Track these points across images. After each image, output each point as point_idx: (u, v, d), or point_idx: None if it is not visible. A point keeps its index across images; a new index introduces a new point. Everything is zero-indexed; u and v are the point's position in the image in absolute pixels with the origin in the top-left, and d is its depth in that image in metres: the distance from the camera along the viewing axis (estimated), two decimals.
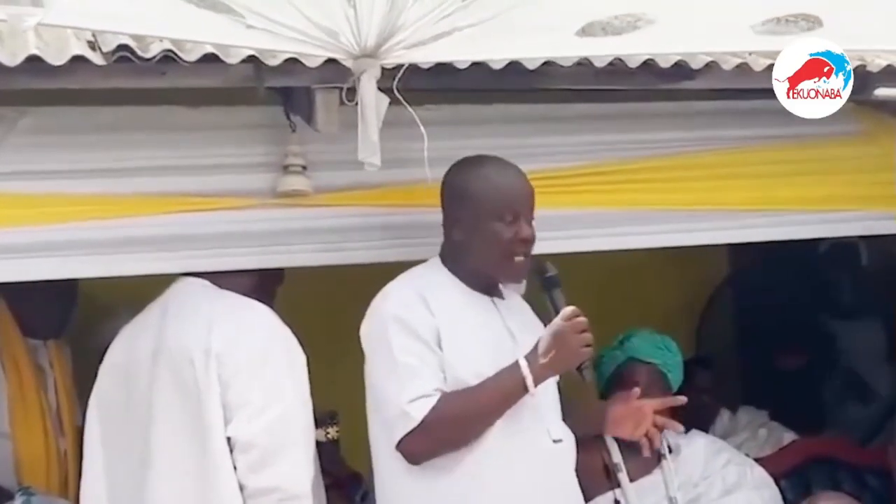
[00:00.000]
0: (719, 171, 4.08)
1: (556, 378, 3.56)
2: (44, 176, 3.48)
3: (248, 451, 3.37)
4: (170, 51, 3.27)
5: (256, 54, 3.34)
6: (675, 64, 3.70)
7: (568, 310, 3.42)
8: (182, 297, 3.58)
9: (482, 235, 3.49)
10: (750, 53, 3.77)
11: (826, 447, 5.06)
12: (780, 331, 5.71)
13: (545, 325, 3.47)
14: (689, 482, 4.15)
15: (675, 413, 4.30)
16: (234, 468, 3.38)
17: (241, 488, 3.37)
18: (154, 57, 3.27)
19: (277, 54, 3.34)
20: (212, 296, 3.54)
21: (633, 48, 3.53)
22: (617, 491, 4.03)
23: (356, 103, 3.32)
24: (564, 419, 3.60)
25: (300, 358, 3.48)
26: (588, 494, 3.82)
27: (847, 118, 4.00)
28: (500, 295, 3.60)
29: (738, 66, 3.78)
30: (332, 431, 4.87)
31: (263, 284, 3.63)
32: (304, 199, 3.66)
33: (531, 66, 3.56)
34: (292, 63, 3.36)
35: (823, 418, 5.68)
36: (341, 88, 3.39)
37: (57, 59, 3.21)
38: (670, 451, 4.17)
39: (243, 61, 3.35)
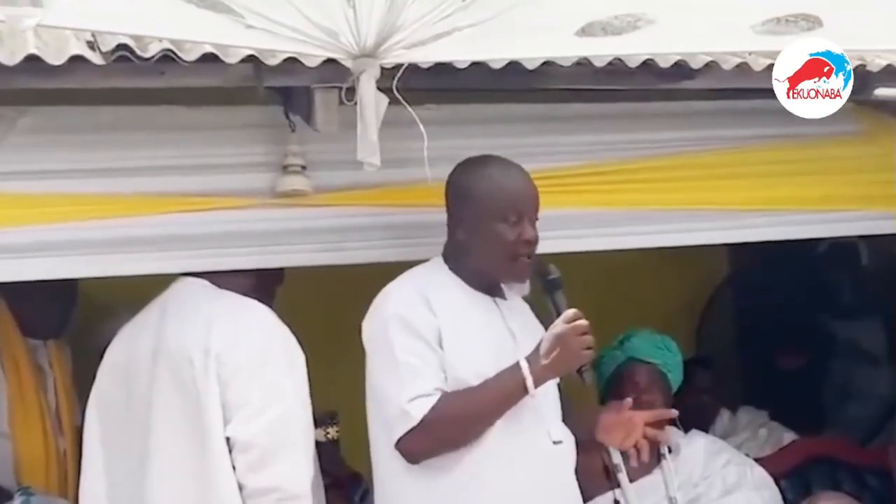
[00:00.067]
0: (719, 171, 4.08)
1: (557, 380, 3.55)
2: (43, 176, 3.48)
3: (247, 451, 3.37)
4: (169, 50, 3.27)
5: (256, 54, 3.34)
6: (675, 64, 3.70)
7: (570, 312, 3.41)
8: (181, 297, 3.57)
9: (485, 236, 3.49)
10: (750, 53, 3.77)
11: (826, 447, 5.06)
12: (780, 331, 5.72)
13: (546, 327, 3.47)
14: (688, 482, 4.15)
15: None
16: (234, 468, 3.37)
17: (241, 488, 3.37)
18: (153, 57, 3.27)
19: (277, 54, 3.34)
20: (211, 296, 3.54)
21: (632, 48, 3.53)
22: (617, 491, 4.04)
23: (355, 103, 3.31)
24: (564, 420, 3.60)
25: (299, 358, 3.48)
26: (588, 495, 3.82)
27: (847, 118, 4.00)
28: (502, 295, 3.60)
29: (738, 66, 3.77)
30: (332, 431, 4.87)
31: (263, 284, 3.63)
32: (303, 199, 3.65)
33: (531, 65, 3.56)
34: (292, 63, 3.36)
35: (823, 418, 5.68)
36: (341, 88, 3.39)
37: (56, 58, 3.21)
38: (670, 451, 4.17)
39: (243, 61, 3.35)
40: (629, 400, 3.78)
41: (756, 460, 4.44)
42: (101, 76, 3.28)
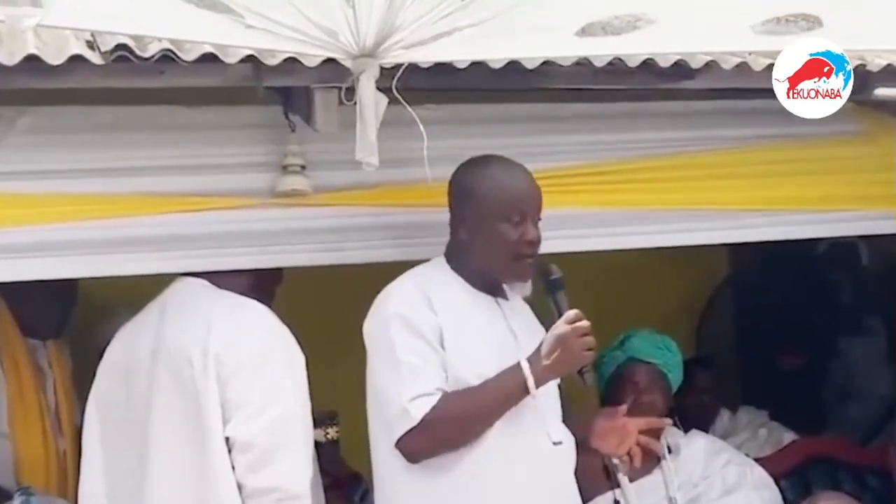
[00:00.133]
0: (719, 170, 4.08)
1: (558, 380, 3.55)
2: (43, 175, 3.48)
3: (247, 451, 3.36)
4: (168, 50, 3.26)
5: (255, 54, 3.33)
6: (675, 63, 3.70)
7: (571, 313, 3.41)
8: (181, 297, 3.57)
9: (488, 235, 3.49)
10: (750, 53, 3.76)
11: (826, 447, 5.06)
12: (780, 331, 5.71)
13: (547, 327, 3.47)
14: (688, 482, 4.15)
15: (674, 413, 4.32)
16: (233, 468, 3.37)
17: (240, 488, 3.37)
18: (153, 56, 3.27)
19: (276, 54, 3.34)
20: (211, 296, 3.54)
21: (632, 48, 3.53)
22: (617, 491, 4.04)
23: (355, 103, 3.31)
24: (565, 421, 3.60)
25: (299, 358, 3.48)
26: (588, 495, 3.82)
27: (847, 118, 3.99)
28: (504, 295, 3.60)
29: (738, 66, 3.77)
30: (332, 432, 4.87)
31: (262, 284, 3.63)
32: (303, 199, 3.65)
33: (530, 65, 3.56)
34: (291, 63, 3.36)
35: (823, 418, 5.68)
36: (340, 88, 3.39)
37: (55, 58, 3.21)
38: (670, 451, 4.17)
39: (242, 61, 3.34)
40: (623, 407, 3.78)
41: (756, 460, 4.44)
42: (100, 76, 3.28)
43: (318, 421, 4.19)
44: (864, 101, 3.98)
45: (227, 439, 3.38)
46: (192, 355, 3.41)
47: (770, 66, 3.60)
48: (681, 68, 3.72)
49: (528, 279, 3.55)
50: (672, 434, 4.24)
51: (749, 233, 4.17)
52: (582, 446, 3.65)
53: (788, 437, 5.10)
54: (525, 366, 3.39)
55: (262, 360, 3.42)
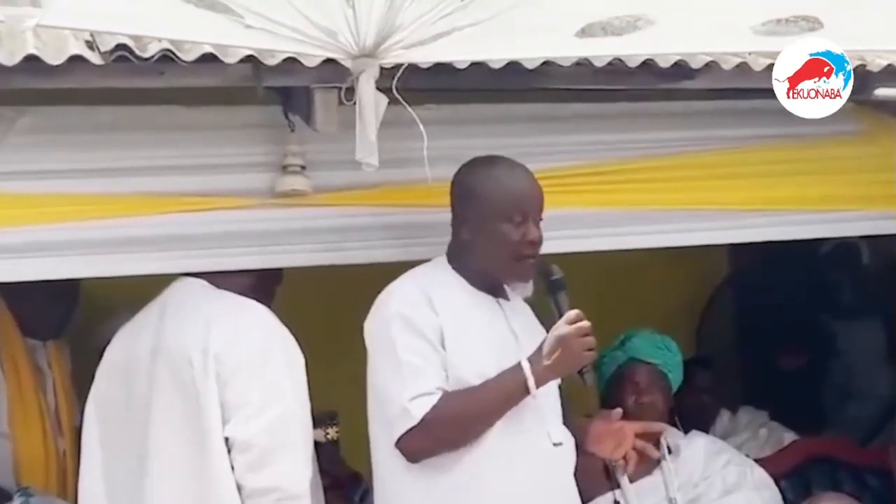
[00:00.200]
0: (719, 171, 4.07)
1: (559, 381, 3.55)
2: (42, 175, 3.48)
3: (246, 451, 3.36)
4: (168, 50, 3.26)
5: (255, 54, 3.33)
6: (675, 63, 3.70)
7: (572, 313, 3.41)
8: (181, 297, 3.57)
9: (489, 236, 3.49)
10: (750, 53, 3.76)
11: (826, 447, 5.06)
12: (780, 331, 5.71)
13: (547, 328, 3.47)
14: (688, 483, 4.15)
15: (675, 413, 4.32)
16: (233, 468, 3.37)
17: (240, 488, 3.37)
18: (152, 57, 3.27)
19: (276, 54, 3.34)
20: (210, 296, 3.54)
21: (633, 48, 3.53)
22: (617, 492, 4.04)
23: (355, 103, 3.31)
24: (565, 422, 3.60)
25: (298, 358, 3.48)
26: (588, 495, 3.82)
27: (847, 118, 3.99)
28: (505, 296, 3.60)
29: (738, 66, 3.77)
30: (332, 432, 4.87)
31: (262, 284, 3.62)
32: (303, 199, 3.65)
33: (530, 65, 3.55)
34: (291, 63, 3.36)
35: (823, 418, 5.68)
36: (340, 88, 3.38)
37: (55, 58, 3.21)
38: (670, 451, 4.17)
39: (242, 61, 3.34)
40: (619, 410, 3.78)
41: (756, 460, 4.44)
42: (100, 76, 3.28)
43: (318, 421, 4.19)
44: (864, 101, 3.98)
45: (226, 439, 3.38)
46: (191, 355, 3.41)
47: (770, 67, 3.59)
48: (681, 68, 3.72)
49: (530, 279, 3.55)
50: (672, 434, 4.24)
51: (749, 233, 4.16)
52: (581, 447, 3.65)
53: (789, 437, 5.10)
54: (525, 366, 3.39)
55: (261, 360, 3.42)
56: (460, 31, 3.22)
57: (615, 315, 4.44)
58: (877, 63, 3.91)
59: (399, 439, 3.37)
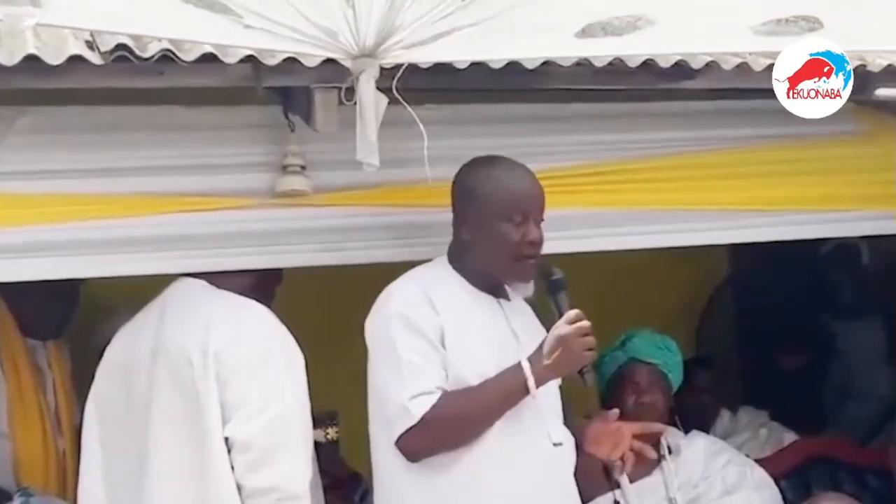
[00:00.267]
0: (719, 170, 4.07)
1: (559, 381, 3.55)
2: (42, 175, 3.47)
3: (246, 451, 3.36)
4: (168, 50, 3.26)
5: (255, 54, 3.33)
6: (675, 63, 3.70)
7: (572, 313, 3.41)
8: (180, 297, 3.57)
9: (490, 236, 3.49)
10: (750, 53, 3.76)
11: (826, 447, 5.06)
12: (780, 331, 5.71)
13: (547, 328, 3.47)
14: (689, 483, 4.15)
15: (675, 413, 4.32)
16: (232, 468, 3.37)
17: (239, 488, 3.37)
18: (152, 56, 3.27)
19: (276, 54, 3.34)
20: (210, 296, 3.54)
21: (633, 48, 3.52)
22: (617, 492, 4.04)
23: (355, 103, 3.31)
24: (566, 423, 3.60)
25: (298, 358, 3.48)
26: (588, 495, 3.82)
27: (847, 118, 3.99)
28: (506, 296, 3.60)
29: (738, 66, 3.77)
30: (332, 432, 4.87)
31: (262, 284, 3.62)
32: (303, 199, 3.65)
33: (530, 65, 3.55)
34: (291, 63, 3.36)
35: (823, 418, 5.68)
36: (340, 88, 3.38)
37: (55, 58, 3.21)
38: (670, 451, 4.17)
39: (241, 61, 3.34)
40: (616, 410, 3.78)
41: (756, 460, 4.44)
42: (99, 76, 3.28)
43: (318, 421, 4.19)
44: (864, 101, 3.98)
45: (226, 439, 3.38)
46: (191, 355, 3.41)
47: (770, 67, 3.59)
48: (681, 68, 3.72)
49: (530, 280, 3.56)
50: (672, 434, 4.24)
51: (749, 233, 4.16)
52: (580, 448, 3.65)
53: (789, 437, 5.10)
54: (525, 365, 3.39)
55: (261, 360, 3.41)
56: (460, 31, 3.22)
57: (615, 315, 4.44)
58: (877, 63, 3.91)
59: (398, 438, 3.37)
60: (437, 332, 3.42)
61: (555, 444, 3.49)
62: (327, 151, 3.62)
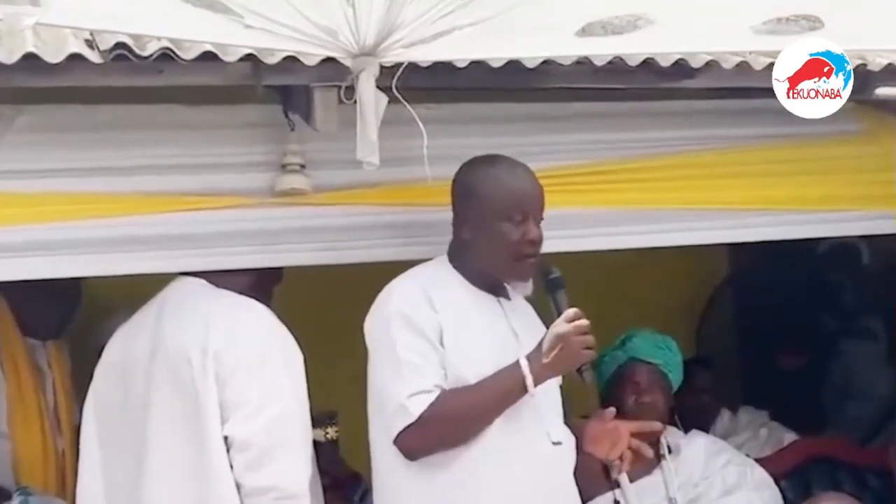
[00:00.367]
0: (719, 170, 4.07)
1: (560, 380, 3.55)
2: (42, 174, 3.47)
3: (245, 450, 3.36)
4: (167, 49, 3.26)
5: (254, 52, 3.33)
6: (675, 63, 3.69)
7: (570, 311, 3.41)
8: (179, 297, 3.57)
9: (490, 235, 3.49)
10: (750, 53, 3.76)
11: (826, 447, 5.06)
12: (780, 331, 5.72)
13: (547, 326, 3.47)
14: (689, 482, 4.15)
15: (675, 413, 4.32)
16: (231, 467, 3.37)
17: (238, 487, 3.36)
18: (152, 55, 3.26)
19: (275, 52, 3.33)
20: (209, 295, 3.53)
21: (633, 47, 3.52)
22: (617, 491, 4.04)
23: (355, 102, 3.31)
24: (566, 422, 3.60)
25: (298, 357, 3.48)
26: (588, 495, 3.82)
27: (847, 118, 3.99)
28: (506, 295, 3.60)
29: (739, 66, 3.77)
30: (332, 432, 4.87)
31: (261, 284, 3.62)
32: (302, 198, 3.65)
33: (530, 64, 3.55)
34: (291, 61, 3.35)
35: (823, 418, 5.68)
36: (340, 87, 3.38)
37: (54, 57, 3.20)
38: (670, 451, 4.17)
39: (241, 59, 3.34)
40: (612, 409, 3.78)
41: (757, 460, 4.43)
42: (99, 75, 3.28)
43: (318, 421, 4.20)
44: (864, 101, 3.98)
45: (225, 438, 3.38)
46: (190, 355, 3.40)
47: (770, 66, 3.59)
48: (681, 68, 3.72)
49: (530, 279, 3.55)
50: (672, 434, 4.24)
51: (749, 233, 4.16)
52: (579, 447, 3.65)
53: (789, 437, 5.10)
54: (524, 364, 3.39)
55: (260, 359, 3.41)
56: (460, 30, 3.22)
57: (615, 315, 4.44)
58: (877, 62, 3.91)
59: (397, 436, 3.37)
60: (437, 331, 3.42)
61: (554, 443, 3.49)
62: (327, 150, 3.61)
